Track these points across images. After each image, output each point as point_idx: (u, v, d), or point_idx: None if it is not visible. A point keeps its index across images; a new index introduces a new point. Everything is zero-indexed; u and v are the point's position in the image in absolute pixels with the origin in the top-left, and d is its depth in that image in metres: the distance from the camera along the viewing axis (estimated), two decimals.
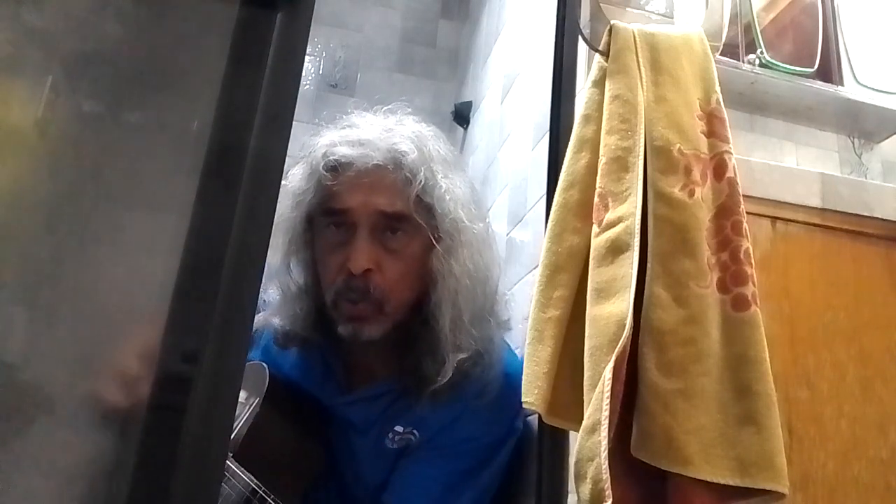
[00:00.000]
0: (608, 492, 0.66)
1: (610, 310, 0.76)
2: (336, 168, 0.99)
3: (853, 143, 1.27)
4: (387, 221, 0.98)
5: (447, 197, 0.99)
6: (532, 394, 0.81)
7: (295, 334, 1.04)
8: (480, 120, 1.84)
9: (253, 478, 0.91)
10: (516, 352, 1.09)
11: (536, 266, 0.88)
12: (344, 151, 0.98)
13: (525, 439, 1.06)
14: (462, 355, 0.96)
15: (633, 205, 0.80)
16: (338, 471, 1.05)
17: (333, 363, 1.07)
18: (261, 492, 0.91)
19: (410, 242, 0.99)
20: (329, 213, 1.00)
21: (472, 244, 1.00)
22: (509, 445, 1.03)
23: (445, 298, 0.97)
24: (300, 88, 0.65)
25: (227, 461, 0.90)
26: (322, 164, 0.99)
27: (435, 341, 0.96)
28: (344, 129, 1.04)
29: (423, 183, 0.98)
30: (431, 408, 0.98)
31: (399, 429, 1.01)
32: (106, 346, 0.58)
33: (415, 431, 1.01)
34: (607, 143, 0.85)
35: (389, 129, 1.02)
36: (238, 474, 0.91)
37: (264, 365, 1.03)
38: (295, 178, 1.02)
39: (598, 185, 0.85)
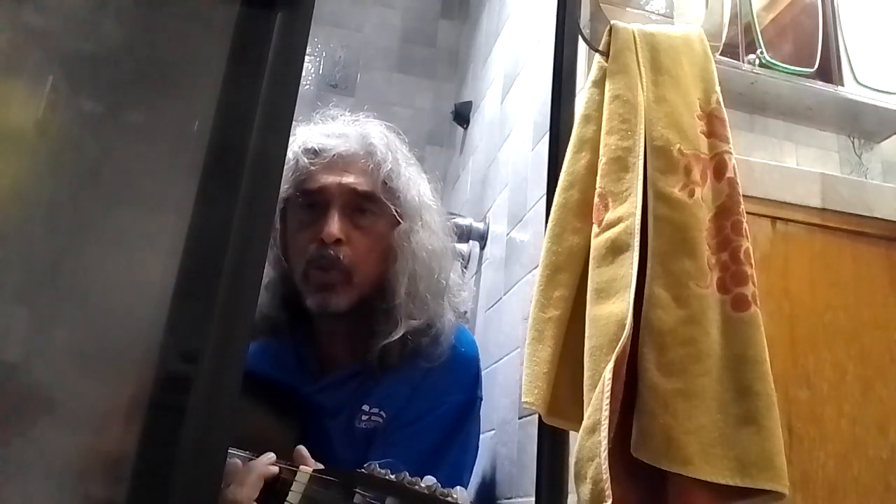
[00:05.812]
0: (608, 492, 0.66)
1: (610, 310, 0.76)
2: (314, 153, 1.11)
3: (853, 143, 1.27)
4: (357, 200, 1.10)
5: (410, 184, 1.14)
6: (532, 394, 0.81)
7: (264, 317, 1.12)
8: (480, 120, 1.84)
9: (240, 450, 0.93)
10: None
11: (536, 266, 0.88)
12: (321, 140, 1.13)
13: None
14: (414, 322, 1.07)
15: (633, 205, 0.80)
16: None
17: (304, 353, 1.15)
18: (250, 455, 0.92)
19: (377, 221, 1.11)
20: (305, 194, 1.11)
21: (431, 227, 1.13)
22: (474, 415, 1.12)
23: (403, 269, 1.09)
24: (300, 88, 0.65)
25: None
26: (301, 150, 1.12)
27: (391, 307, 1.07)
28: (319, 124, 1.19)
29: (389, 169, 1.12)
30: (391, 381, 1.08)
31: (366, 408, 1.09)
32: (106, 346, 0.58)
33: (382, 413, 1.08)
34: (607, 143, 0.85)
35: (362, 125, 1.17)
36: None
37: None
38: None
39: (598, 185, 0.85)
